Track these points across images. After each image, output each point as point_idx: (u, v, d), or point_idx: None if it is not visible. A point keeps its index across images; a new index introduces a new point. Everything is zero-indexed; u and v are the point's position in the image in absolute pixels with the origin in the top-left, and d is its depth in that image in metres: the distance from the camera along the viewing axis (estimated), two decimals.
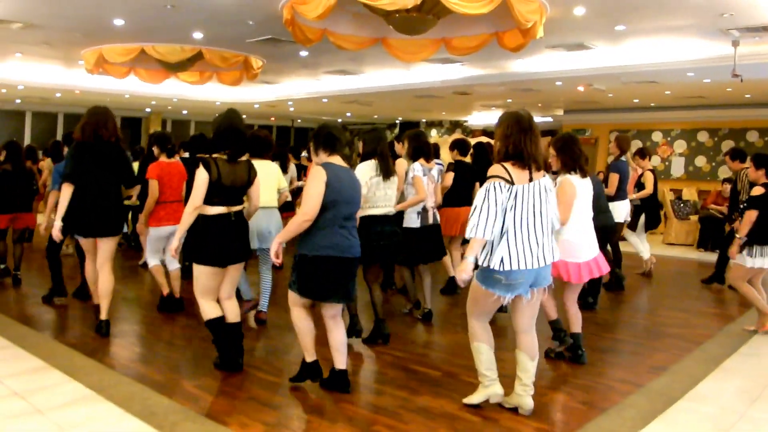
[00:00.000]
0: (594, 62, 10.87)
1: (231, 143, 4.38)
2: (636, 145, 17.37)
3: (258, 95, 17.32)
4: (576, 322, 4.89)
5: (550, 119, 20.64)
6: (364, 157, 5.19)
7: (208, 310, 4.40)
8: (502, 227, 3.52)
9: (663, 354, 5.21)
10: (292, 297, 4.07)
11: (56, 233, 5.08)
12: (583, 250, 4.66)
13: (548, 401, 4.16)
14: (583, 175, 4.75)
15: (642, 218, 8.38)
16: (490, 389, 3.81)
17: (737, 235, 5.65)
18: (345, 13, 7.73)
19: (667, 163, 17.35)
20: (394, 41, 8.66)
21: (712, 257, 9.06)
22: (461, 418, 3.79)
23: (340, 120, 24.64)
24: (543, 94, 14.93)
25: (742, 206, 5.93)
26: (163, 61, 10.26)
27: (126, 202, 9.37)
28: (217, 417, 3.73)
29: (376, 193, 5.07)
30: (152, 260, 6.14)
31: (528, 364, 3.82)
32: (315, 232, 3.88)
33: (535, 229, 3.58)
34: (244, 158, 4.49)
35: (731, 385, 4.49)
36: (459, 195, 7.07)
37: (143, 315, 6.23)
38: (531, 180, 3.57)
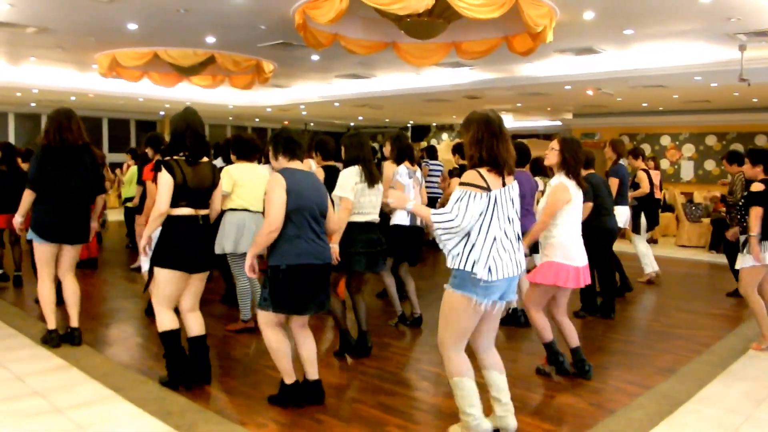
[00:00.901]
0: (602, 66, 10.95)
1: (189, 145, 4.19)
2: (644, 149, 17.42)
3: (270, 99, 17.42)
4: (572, 335, 4.65)
5: (559, 123, 20.68)
6: (347, 164, 5.00)
7: (166, 320, 4.17)
8: (469, 234, 3.32)
9: (671, 356, 5.25)
10: (265, 317, 3.86)
11: (17, 225, 5.08)
12: (576, 253, 4.50)
13: (557, 402, 4.22)
14: (578, 184, 4.56)
15: (642, 219, 8.32)
16: (479, 428, 3.44)
17: (751, 234, 5.17)
18: (356, 17, 7.81)
19: (676, 167, 17.35)
20: (404, 45, 8.74)
21: (724, 259, 9.04)
22: None
23: (352, 124, 24.76)
24: (552, 98, 14.97)
25: (740, 204, 5.53)
26: (175, 65, 10.38)
27: (127, 204, 9.49)
28: (233, 416, 3.82)
29: (361, 200, 4.87)
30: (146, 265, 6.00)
31: (500, 380, 3.60)
32: (285, 242, 3.74)
33: (511, 234, 3.42)
34: (205, 160, 4.32)
35: (737, 388, 4.53)
36: None
37: None
38: (504, 185, 3.41)
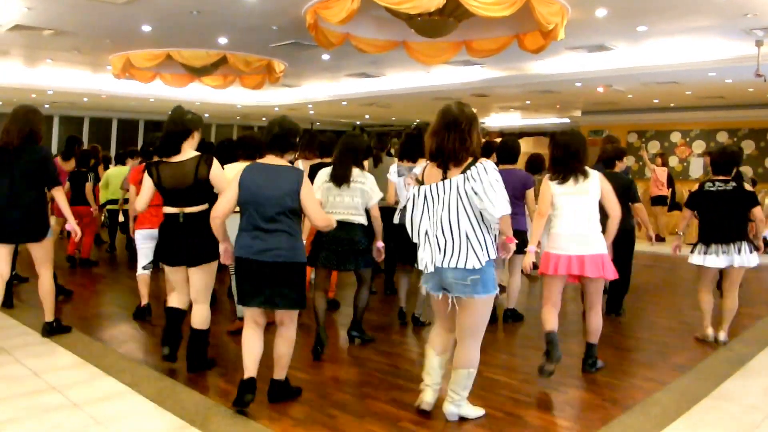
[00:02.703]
0: (614, 63, 10.90)
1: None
2: (653, 146, 17.35)
3: (279, 98, 17.49)
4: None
5: (567, 120, 20.61)
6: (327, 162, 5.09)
7: (169, 298, 4.60)
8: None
9: (688, 352, 5.23)
10: (240, 311, 3.99)
11: None
12: (568, 243, 4.37)
13: (573, 398, 4.21)
14: (564, 178, 4.42)
15: None
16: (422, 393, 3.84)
17: (677, 231, 5.70)
18: (367, 17, 7.83)
19: (685, 164, 17.24)
20: (415, 44, 8.75)
21: None
22: (487, 414, 3.84)
23: (358, 122, 24.75)
24: (561, 96, 14.93)
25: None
26: (188, 65, 10.45)
27: (110, 207, 9.42)
28: (246, 412, 3.81)
29: (329, 199, 4.93)
30: (139, 267, 5.89)
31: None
32: (238, 233, 3.86)
33: (442, 228, 3.44)
34: (188, 157, 4.25)
35: (756, 384, 4.50)
36: None
37: None
38: (445, 178, 3.42)
